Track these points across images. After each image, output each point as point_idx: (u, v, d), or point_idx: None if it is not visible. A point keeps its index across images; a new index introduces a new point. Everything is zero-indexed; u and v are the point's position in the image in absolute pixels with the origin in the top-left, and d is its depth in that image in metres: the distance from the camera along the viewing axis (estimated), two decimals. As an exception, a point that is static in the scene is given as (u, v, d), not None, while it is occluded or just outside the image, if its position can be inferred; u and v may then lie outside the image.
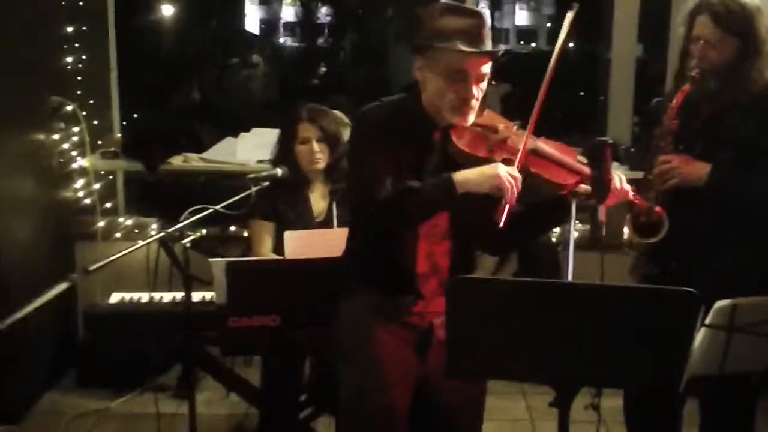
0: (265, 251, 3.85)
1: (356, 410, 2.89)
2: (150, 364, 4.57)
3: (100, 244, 4.90)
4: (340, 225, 3.86)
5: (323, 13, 17.02)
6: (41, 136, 4.63)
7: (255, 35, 15.38)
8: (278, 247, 3.82)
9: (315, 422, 3.84)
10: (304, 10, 15.12)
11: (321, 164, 3.87)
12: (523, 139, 2.75)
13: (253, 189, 3.46)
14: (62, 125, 4.77)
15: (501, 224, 2.62)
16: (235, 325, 3.34)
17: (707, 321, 2.58)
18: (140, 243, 3.25)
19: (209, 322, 3.39)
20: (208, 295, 3.59)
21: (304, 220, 3.88)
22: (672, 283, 2.29)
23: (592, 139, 2.69)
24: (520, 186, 2.63)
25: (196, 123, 5.23)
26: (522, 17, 22.44)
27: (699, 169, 3.14)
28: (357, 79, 11.62)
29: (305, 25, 15.24)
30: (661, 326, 2.30)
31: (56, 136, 4.75)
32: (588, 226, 4.09)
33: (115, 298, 3.67)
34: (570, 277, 2.69)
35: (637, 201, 2.87)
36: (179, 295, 3.60)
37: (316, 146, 3.84)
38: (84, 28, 4.96)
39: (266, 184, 3.68)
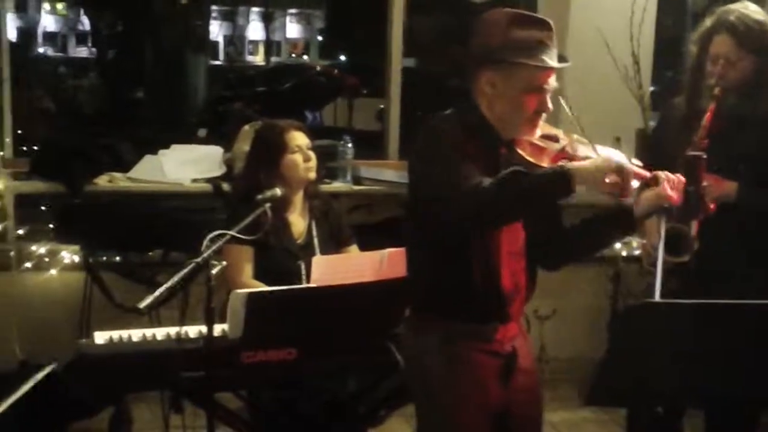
0: (246, 278, 3.59)
1: None
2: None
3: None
4: (321, 247, 3.68)
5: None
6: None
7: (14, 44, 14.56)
8: (257, 272, 3.61)
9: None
10: (91, 21, 14.47)
11: (314, 173, 3.71)
12: (580, 147, 2.70)
13: (267, 208, 3.19)
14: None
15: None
16: (250, 360, 3.08)
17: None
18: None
19: (221, 358, 3.09)
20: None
21: (285, 244, 3.67)
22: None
23: (685, 154, 2.68)
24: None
25: (114, 139, 4.77)
26: (293, 30, 22.55)
27: (728, 187, 3.19)
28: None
29: (94, 35, 14.52)
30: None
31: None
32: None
33: (101, 337, 3.25)
34: (657, 296, 2.68)
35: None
36: (173, 331, 3.27)
37: (310, 153, 3.68)
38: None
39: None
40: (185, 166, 4.56)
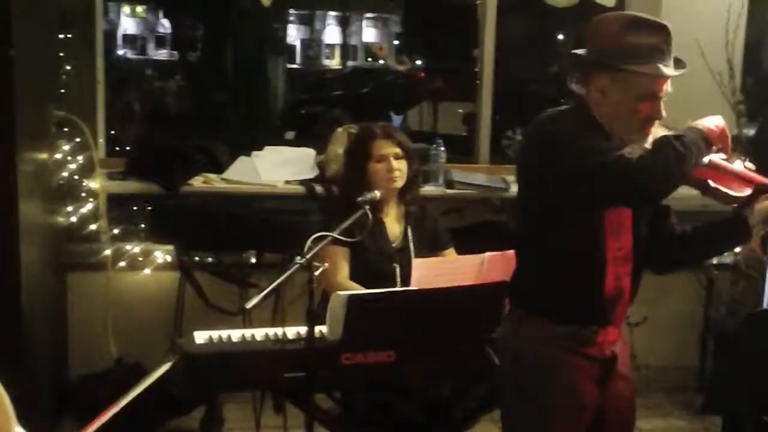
0: (342, 279, 3.60)
1: None
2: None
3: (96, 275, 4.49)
4: (417, 251, 3.67)
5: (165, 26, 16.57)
6: (44, 155, 4.14)
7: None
8: (351, 273, 3.62)
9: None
10: (172, 24, 14.70)
11: (400, 182, 3.67)
12: None
13: (367, 210, 3.18)
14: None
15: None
16: (349, 362, 3.08)
17: None
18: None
19: (321, 359, 3.09)
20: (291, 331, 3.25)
21: (381, 246, 3.66)
22: None
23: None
24: None
25: (202, 140, 4.82)
26: (369, 34, 22.66)
27: None
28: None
29: (174, 38, 14.73)
30: None
31: (59, 155, 4.28)
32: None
33: (200, 337, 3.27)
34: (766, 303, 2.63)
35: None
36: (271, 332, 3.28)
37: (394, 163, 3.65)
38: (69, 35, 4.52)
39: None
40: (278, 167, 4.58)
